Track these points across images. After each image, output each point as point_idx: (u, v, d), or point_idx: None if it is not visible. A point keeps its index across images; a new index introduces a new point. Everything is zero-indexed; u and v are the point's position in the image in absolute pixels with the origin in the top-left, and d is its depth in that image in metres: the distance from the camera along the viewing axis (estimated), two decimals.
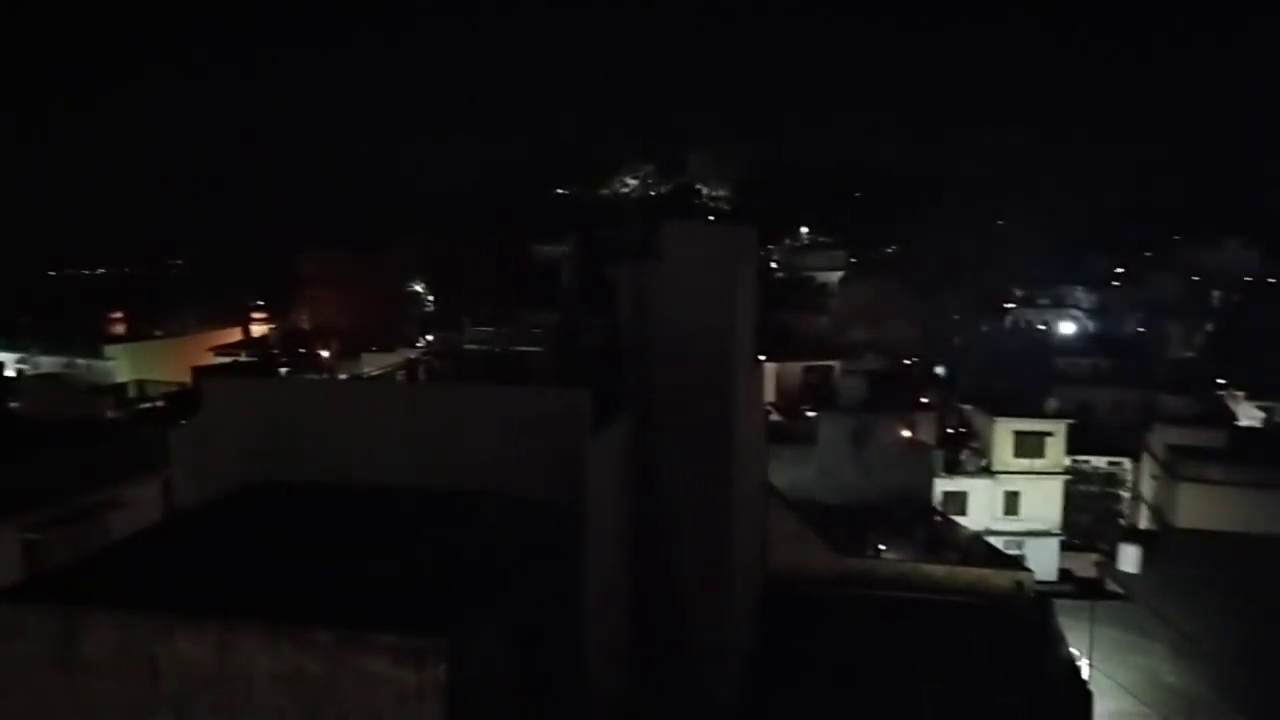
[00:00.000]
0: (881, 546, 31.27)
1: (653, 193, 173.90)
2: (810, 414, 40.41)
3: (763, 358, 28.35)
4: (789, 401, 44.47)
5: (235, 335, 66.45)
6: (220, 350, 59.72)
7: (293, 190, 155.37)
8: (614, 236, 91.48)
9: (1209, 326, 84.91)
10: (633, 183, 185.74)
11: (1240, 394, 63.32)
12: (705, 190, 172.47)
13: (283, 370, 51.37)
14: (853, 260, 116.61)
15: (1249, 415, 60.27)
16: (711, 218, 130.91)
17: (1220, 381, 65.63)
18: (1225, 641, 32.62)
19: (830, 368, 47.91)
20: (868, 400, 40.76)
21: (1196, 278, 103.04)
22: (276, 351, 59.63)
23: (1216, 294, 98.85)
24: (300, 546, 11.36)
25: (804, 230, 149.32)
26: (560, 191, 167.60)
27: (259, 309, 73.12)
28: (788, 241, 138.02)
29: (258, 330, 69.09)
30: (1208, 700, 29.05)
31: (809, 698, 19.15)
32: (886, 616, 23.69)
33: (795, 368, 47.73)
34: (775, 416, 40.44)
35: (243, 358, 56.60)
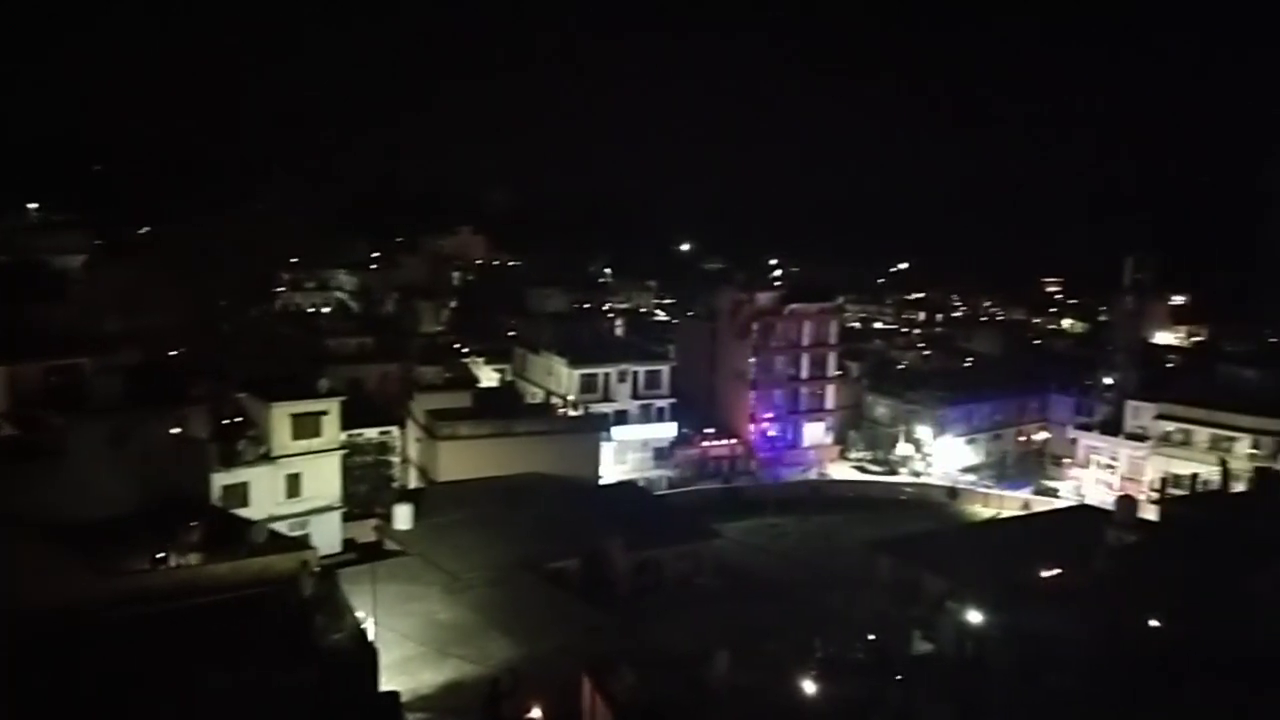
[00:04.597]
0: (159, 556, 28.86)
1: None
2: (58, 421, 34.90)
3: None
4: (29, 409, 37.74)
5: None
6: None
7: None
8: None
9: (452, 303, 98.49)
10: None
11: (480, 359, 75.46)
12: None
13: None
14: (99, 242, 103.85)
15: (488, 377, 72.16)
16: None
17: (464, 350, 77.18)
18: (482, 571, 38.91)
19: (79, 365, 41.89)
20: (128, 398, 36.94)
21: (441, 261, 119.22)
22: None
23: (456, 275, 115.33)
24: None
25: (32, 206, 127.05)
26: None
27: None
28: (9, 220, 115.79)
29: None
30: (474, 625, 34.27)
31: None
32: (167, 630, 22.05)
33: (34, 369, 40.56)
34: (8, 430, 33.97)
35: None
